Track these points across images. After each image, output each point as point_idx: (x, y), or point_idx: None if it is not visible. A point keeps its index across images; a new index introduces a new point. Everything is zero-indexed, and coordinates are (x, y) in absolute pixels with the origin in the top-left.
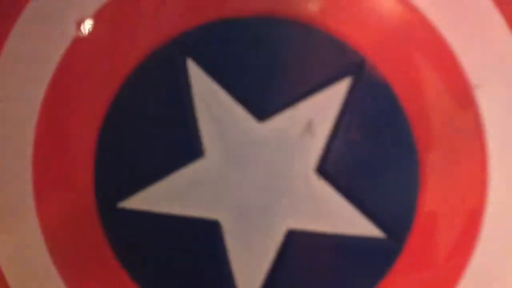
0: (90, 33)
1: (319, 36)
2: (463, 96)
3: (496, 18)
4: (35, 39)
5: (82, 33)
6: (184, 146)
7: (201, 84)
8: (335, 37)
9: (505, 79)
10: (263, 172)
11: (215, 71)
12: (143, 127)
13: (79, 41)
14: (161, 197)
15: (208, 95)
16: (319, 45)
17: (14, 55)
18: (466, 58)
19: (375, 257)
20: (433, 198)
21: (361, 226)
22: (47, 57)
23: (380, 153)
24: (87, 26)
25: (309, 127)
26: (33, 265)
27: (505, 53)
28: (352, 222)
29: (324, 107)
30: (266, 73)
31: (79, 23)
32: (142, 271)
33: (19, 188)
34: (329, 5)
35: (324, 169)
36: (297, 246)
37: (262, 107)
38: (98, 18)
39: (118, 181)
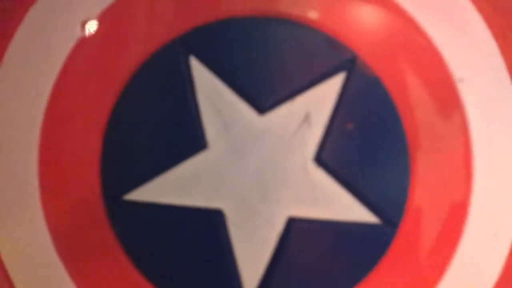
0: (95, 34)
1: (315, 35)
2: (447, 89)
3: (474, 15)
4: (39, 40)
5: (87, 33)
6: (188, 139)
7: (204, 80)
8: (330, 35)
9: (485, 73)
10: (264, 162)
11: (218, 68)
12: (148, 121)
13: (84, 42)
14: (166, 189)
15: (210, 90)
16: (314, 43)
17: (19, 55)
18: (449, 54)
19: (370, 242)
20: (423, 186)
21: (357, 212)
22: (52, 56)
23: (373, 142)
24: (92, 26)
25: (307, 119)
26: (38, 259)
27: (483, 48)
28: (348, 209)
29: (320, 100)
30: (266, 69)
31: (84, 24)
32: (148, 261)
33: (25, 183)
34: (325, 7)
35: (321, 159)
36: (297, 233)
37: (263, 100)
38: (102, 19)
39: (124, 174)
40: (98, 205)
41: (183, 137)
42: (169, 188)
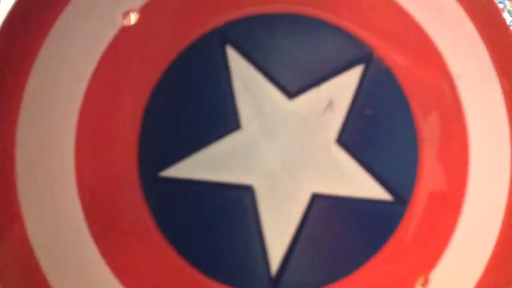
0: (136, 24)
1: (338, 32)
2: (447, 84)
3: (466, 20)
4: (81, 27)
5: (128, 23)
6: (223, 120)
7: (239, 67)
8: (351, 33)
9: (477, 71)
10: (291, 142)
11: (252, 57)
12: (186, 103)
13: (125, 31)
14: (200, 166)
15: (245, 76)
16: (338, 39)
17: (61, 40)
18: (447, 53)
19: (384, 217)
20: (430, 168)
21: (373, 189)
22: (94, 42)
23: (387, 126)
24: (133, 17)
25: (330, 105)
26: (69, 236)
27: (476, 49)
28: (365, 186)
29: (342, 88)
30: (295, 59)
31: (125, 15)
32: (180, 235)
33: (60, 158)
34: (347, 10)
35: (342, 140)
36: (320, 208)
37: (291, 86)
38: (144, 10)
39: (161, 152)
40: (134, 181)
41: (219, 118)
42: (203, 165)
